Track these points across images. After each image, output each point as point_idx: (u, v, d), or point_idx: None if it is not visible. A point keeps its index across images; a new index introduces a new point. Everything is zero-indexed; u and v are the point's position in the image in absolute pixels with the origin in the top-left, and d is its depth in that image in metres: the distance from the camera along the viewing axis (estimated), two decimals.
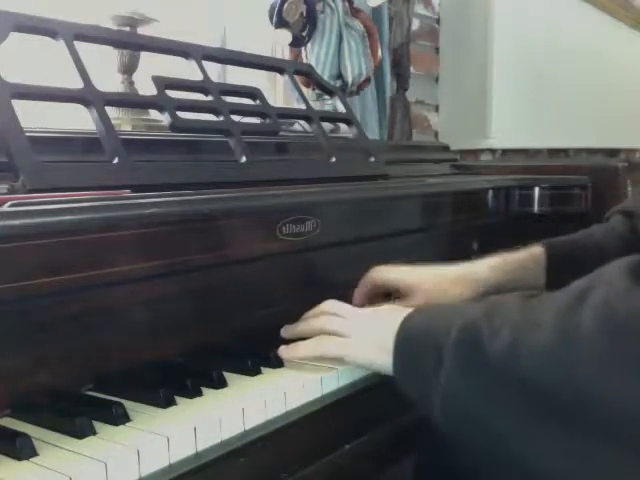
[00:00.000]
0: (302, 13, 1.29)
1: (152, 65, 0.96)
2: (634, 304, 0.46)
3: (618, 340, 0.45)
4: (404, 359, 0.61)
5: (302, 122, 1.08)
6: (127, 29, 0.96)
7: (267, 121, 0.93)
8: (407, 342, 0.61)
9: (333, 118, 1.18)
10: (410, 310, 0.64)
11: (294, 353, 0.68)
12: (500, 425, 0.52)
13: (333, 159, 0.98)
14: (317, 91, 1.27)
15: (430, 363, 0.57)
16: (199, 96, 0.87)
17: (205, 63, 0.88)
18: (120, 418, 0.53)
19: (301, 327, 0.72)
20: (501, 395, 0.52)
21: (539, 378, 0.49)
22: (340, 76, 1.41)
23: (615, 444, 0.46)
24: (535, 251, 0.89)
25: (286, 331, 0.73)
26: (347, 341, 0.66)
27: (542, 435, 0.50)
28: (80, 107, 0.72)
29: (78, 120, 0.75)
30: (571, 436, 0.48)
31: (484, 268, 0.85)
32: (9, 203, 0.54)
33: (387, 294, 0.85)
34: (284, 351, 0.68)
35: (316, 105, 1.22)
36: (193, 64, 0.87)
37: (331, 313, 0.70)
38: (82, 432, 0.51)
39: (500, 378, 0.52)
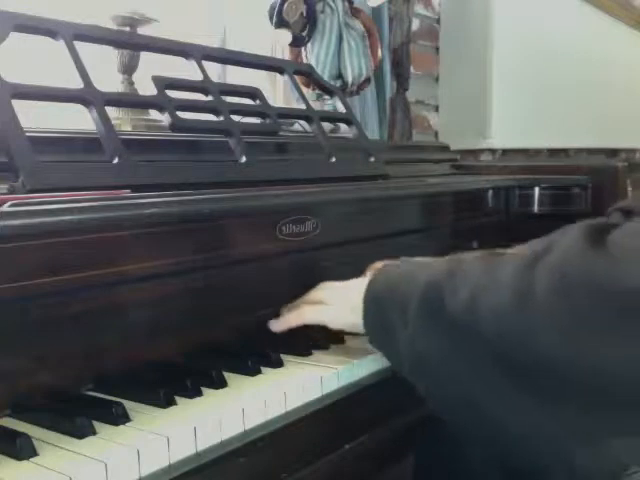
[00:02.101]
0: (302, 13, 1.29)
1: (152, 65, 0.96)
2: (587, 265, 0.46)
3: (571, 300, 0.46)
4: (372, 319, 0.63)
5: (302, 122, 1.08)
6: (127, 29, 0.96)
7: (267, 121, 0.93)
8: (374, 301, 0.63)
9: (333, 118, 1.18)
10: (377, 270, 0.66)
11: (282, 324, 0.71)
12: (467, 382, 0.53)
13: (333, 159, 0.98)
14: (317, 91, 1.27)
15: (396, 322, 0.58)
16: (199, 96, 0.87)
17: (205, 63, 0.88)
18: (120, 418, 0.53)
19: (296, 302, 0.75)
20: (464, 353, 0.53)
21: (499, 337, 0.50)
22: (340, 76, 1.41)
23: (575, 402, 0.48)
24: None
25: (284, 308, 0.75)
26: (326, 307, 0.70)
27: (508, 393, 0.50)
28: (80, 107, 0.72)
29: (78, 120, 0.75)
30: (534, 394, 0.49)
31: None
32: (9, 203, 0.54)
33: None
34: (273, 324, 0.72)
35: (316, 105, 1.22)
36: (193, 64, 0.87)
37: (323, 288, 0.74)
38: (82, 432, 0.51)
39: (462, 336, 0.53)
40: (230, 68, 1.36)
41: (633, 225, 0.49)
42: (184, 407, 0.57)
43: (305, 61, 1.39)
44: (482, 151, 2.21)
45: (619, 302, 0.44)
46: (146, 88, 0.84)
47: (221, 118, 0.85)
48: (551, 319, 0.47)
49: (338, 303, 0.69)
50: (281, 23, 1.26)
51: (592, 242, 0.47)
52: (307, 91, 1.23)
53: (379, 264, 0.83)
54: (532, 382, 0.49)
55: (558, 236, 0.51)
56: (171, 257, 0.64)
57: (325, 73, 1.37)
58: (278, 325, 0.71)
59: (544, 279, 0.48)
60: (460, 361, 0.53)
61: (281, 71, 1.04)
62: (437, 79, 2.20)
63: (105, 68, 0.94)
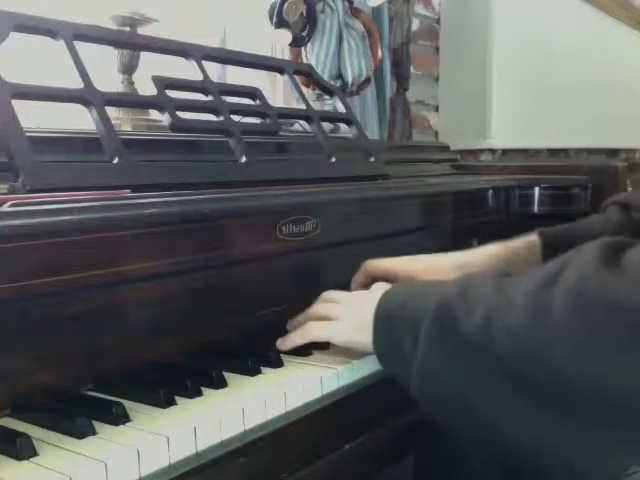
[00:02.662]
0: (302, 13, 1.29)
1: (152, 65, 0.96)
2: (603, 284, 0.47)
3: (588, 319, 0.47)
4: (382, 337, 0.62)
5: (302, 122, 1.08)
6: (127, 29, 0.96)
7: (267, 121, 0.93)
8: (385, 320, 0.62)
9: (333, 118, 1.18)
10: (388, 287, 0.65)
11: (288, 343, 0.70)
12: (478, 401, 0.53)
13: (333, 159, 0.98)
14: (317, 91, 1.27)
15: (407, 341, 0.58)
16: (199, 96, 0.87)
17: (205, 63, 0.88)
18: (120, 418, 0.53)
19: (300, 317, 0.74)
20: (478, 372, 0.53)
21: (513, 355, 0.50)
22: (340, 76, 1.41)
23: (588, 419, 0.48)
24: (531, 239, 0.89)
25: (290, 324, 0.75)
26: (333, 323, 0.69)
27: (520, 410, 0.51)
28: (80, 107, 0.72)
29: (78, 120, 0.75)
30: (547, 411, 0.49)
31: (480, 256, 0.85)
32: (9, 203, 0.54)
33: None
34: (280, 343, 0.71)
35: (316, 105, 1.22)
36: (193, 64, 0.87)
37: (327, 300, 0.73)
38: (82, 432, 0.51)
39: (476, 355, 0.53)
40: (230, 68, 1.36)
41: None
42: (184, 407, 0.57)
43: (305, 61, 1.39)
44: (482, 151, 2.21)
45: (632, 320, 0.45)
46: (146, 88, 0.84)
47: (221, 118, 0.85)
48: (567, 336, 0.47)
49: (345, 319, 0.68)
50: (281, 23, 1.26)
51: (607, 261, 0.48)
52: (307, 91, 1.23)
53: (373, 264, 0.84)
54: (545, 398, 0.49)
55: (571, 256, 0.51)
56: (171, 257, 0.64)
57: (325, 73, 1.37)
58: (284, 344, 0.70)
59: (560, 298, 0.48)
60: (472, 380, 0.53)
61: (281, 71, 1.04)
62: (437, 79, 2.20)
63: (105, 68, 0.94)
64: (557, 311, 0.48)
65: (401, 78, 1.67)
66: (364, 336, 0.64)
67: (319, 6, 1.36)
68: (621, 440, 0.48)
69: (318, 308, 0.72)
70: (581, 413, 0.48)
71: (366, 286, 0.83)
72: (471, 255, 0.86)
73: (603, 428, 0.48)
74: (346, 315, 0.68)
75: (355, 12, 1.44)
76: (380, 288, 0.67)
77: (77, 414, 0.52)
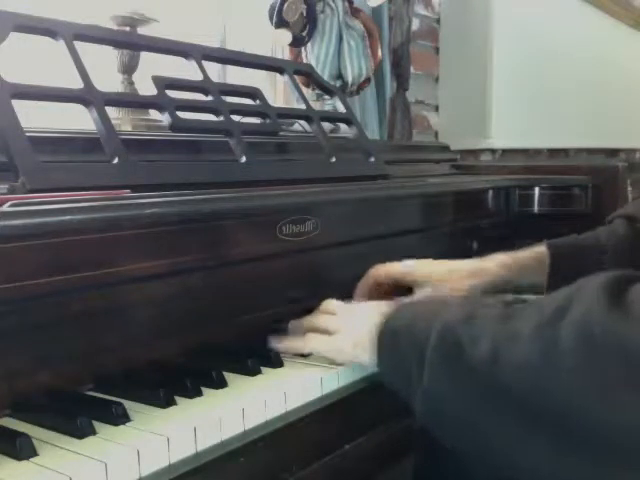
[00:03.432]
0: (302, 13, 1.29)
1: (152, 65, 0.96)
2: (611, 326, 0.47)
3: (596, 360, 0.47)
4: (387, 358, 0.62)
5: (302, 122, 1.08)
6: (127, 29, 0.96)
7: (267, 121, 0.93)
8: (389, 341, 0.62)
9: (333, 118, 1.18)
10: (391, 306, 0.65)
11: (287, 344, 0.70)
12: (484, 428, 0.54)
13: (333, 159, 0.98)
14: (317, 91, 1.27)
15: (412, 365, 0.58)
16: (199, 96, 0.87)
17: (205, 63, 0.88)
18: (120, 418, 0.53)
19: (300, 322, 0.73)
20: (483, 402, 0.53)
21: (520, 390, 0.50)
22: (340, 76, 1.41)
23: (595, 456, 0.48)
24: (539, 250, 0.89)
25: (291, 325, 0.74)
26: (332, 338, 0.68)
27: (526, 440, 0.51)
28: (80, 107, 0.72)
29: (78, 120, 0.75)
30: (553, 444, 0.50)
31: (493, 265, 0.86)
32: (9, 203, 0.54)
33: (391, 291, 0.84)
34: (276, 341, 0.71)
35: (316, 105, 1.22)
36: (193, 64, 0.87)
37: (327, 311, 0.72)
38: (82, 432, 0.51)
39: (482, 385, 0.53)
40: (230, 68, 1.36)
41: None
42: (184, 407, 0.57)
43: (305, 61, 1.39)
44: (482, 151, 2.21)
45: (637, 360, 0.45)
46: (146, 88, 0.84)
47: (221, 118, 0.85)
48: (573, 374, 0.48)
49: (345, 334, 0.67)
50: (281, 23, 1.26)
51: (612, 301, 0.48)
52: (307, 91, 1.23)
53: (381, 269, 0.84)
54: (549, 432, 0.49)
55: (577, 291, 0.51)
56: (171, 257, 0.64)
57: (325, 73, 1.37)
58: (280, 344, 0.70)
59: (568, 336, 0.48)
60: (478, 408, 0.53)
61: (281, 71, 1.04)
62: (437, 79, 2.20)
63: (105, 68, 0.94)
64: (564, 351, 0.48)
65: (401, 78, 1.67)
66: (363, 354, 0.64)
67: (319, 6, 1.36)
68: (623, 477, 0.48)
69: (317, 320, 0.72)
70: (584, 450, 0.48)
71: (371, 292, 0.84)
72: (484, 262, 0.86)
73: (607, 464, 0.48)
74: (345, 331, 0.67)
75: (355, 12, 1.44)
76: (382, 305, 0.67)
77: (77, 414, 0.52)
